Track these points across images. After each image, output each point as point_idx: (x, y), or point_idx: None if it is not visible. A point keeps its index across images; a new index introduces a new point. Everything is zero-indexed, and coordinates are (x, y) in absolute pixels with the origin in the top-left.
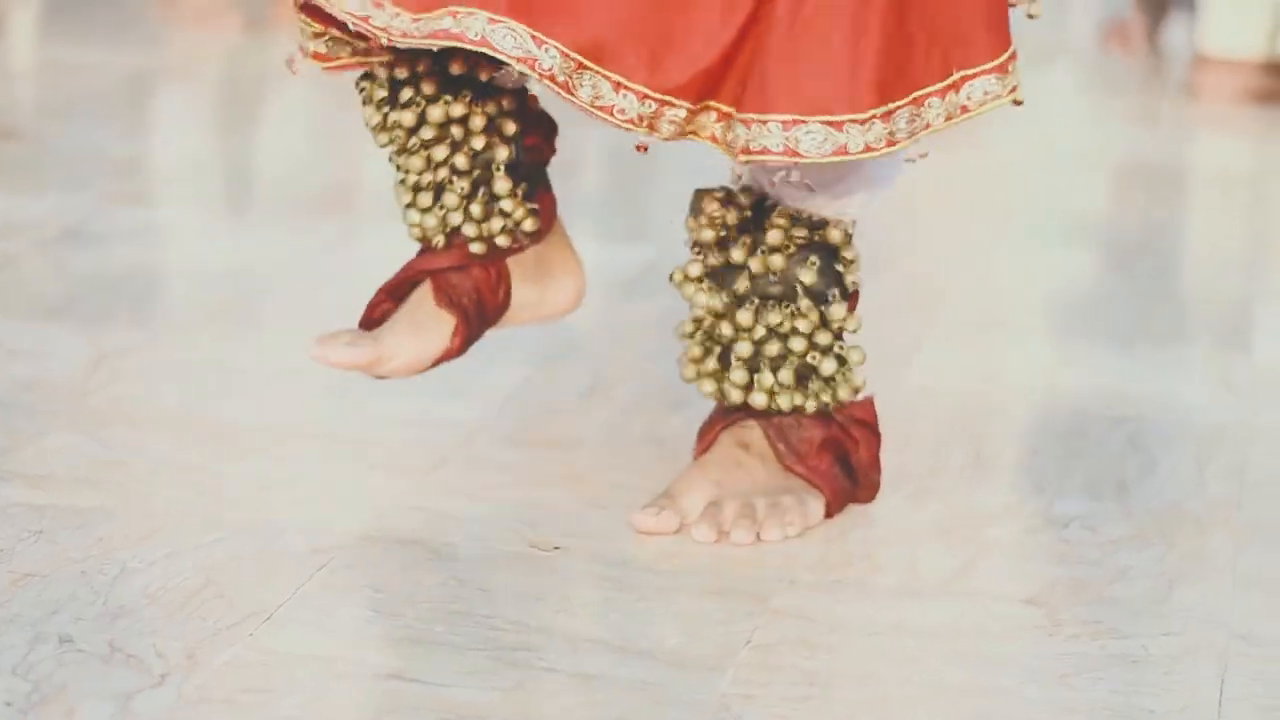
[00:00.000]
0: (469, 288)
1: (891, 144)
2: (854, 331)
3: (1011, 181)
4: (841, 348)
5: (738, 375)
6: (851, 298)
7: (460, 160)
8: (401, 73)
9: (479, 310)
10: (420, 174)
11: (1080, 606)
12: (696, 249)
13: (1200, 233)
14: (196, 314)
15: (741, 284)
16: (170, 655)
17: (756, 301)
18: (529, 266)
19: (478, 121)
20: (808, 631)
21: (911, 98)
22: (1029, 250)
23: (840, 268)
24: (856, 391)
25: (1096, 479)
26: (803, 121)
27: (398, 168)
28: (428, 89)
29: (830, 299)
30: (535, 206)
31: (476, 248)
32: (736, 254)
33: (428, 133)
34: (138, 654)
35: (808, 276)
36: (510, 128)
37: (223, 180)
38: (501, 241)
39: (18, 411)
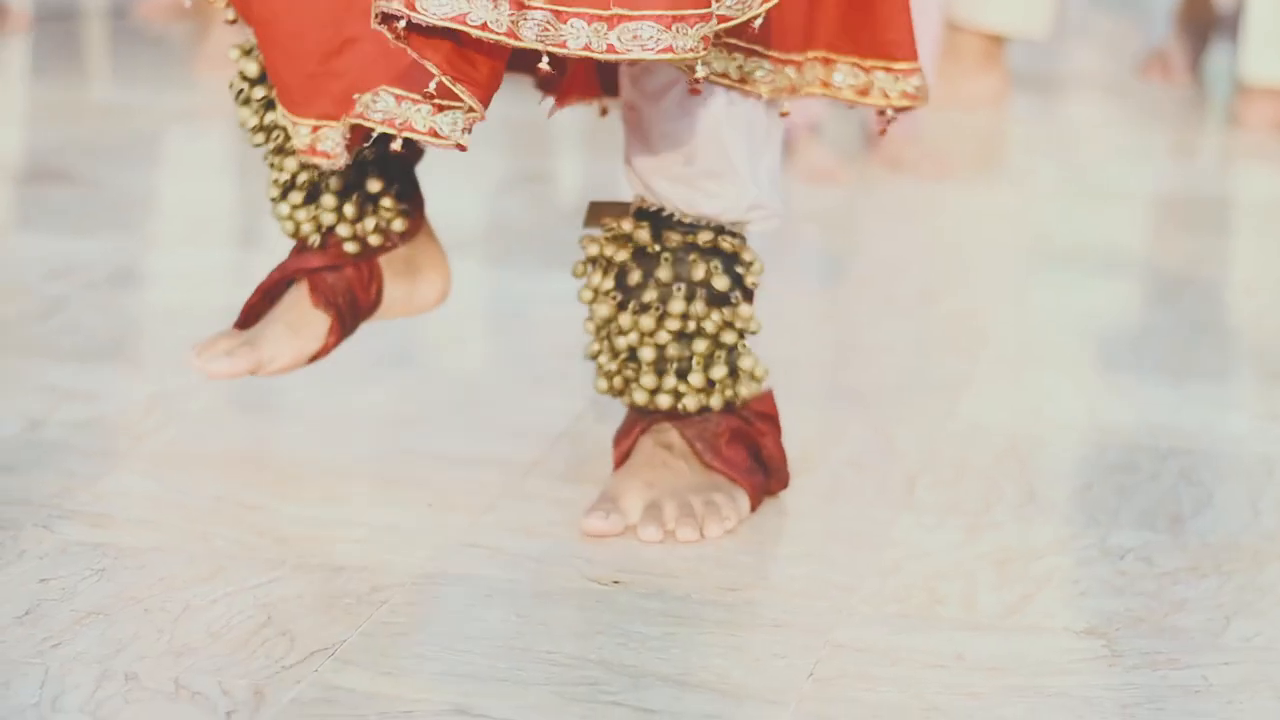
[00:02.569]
0: (343, 287)
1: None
2: (754, 333)
3: (1052, 214)
4: (744, 347)
5: (647, 380)
6: (750, 297)
7: None
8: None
9: (352, 308)
10: (295, 173)
11: (1139, 638)
12: (595, 263)
13: (1244, 263)
14: None
15: (648, 294)
16: (235, 693)
17: (661, 309)
18: (399, 264)
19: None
20: (869, 664)
21: None
22: (1072, 284)
23: (740, 270)
24: (758, 383)
25: (1150, 512)
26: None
27: (271, 166)
28: None
29: (733, 300)
30: (406, 206)
31: (351, 247)
32: (642, 265)
33: None
34: (203, 691)
35: (713, 281)
36: None
37: (271, 220)
38: (374, 241)
39: (74, 453)
